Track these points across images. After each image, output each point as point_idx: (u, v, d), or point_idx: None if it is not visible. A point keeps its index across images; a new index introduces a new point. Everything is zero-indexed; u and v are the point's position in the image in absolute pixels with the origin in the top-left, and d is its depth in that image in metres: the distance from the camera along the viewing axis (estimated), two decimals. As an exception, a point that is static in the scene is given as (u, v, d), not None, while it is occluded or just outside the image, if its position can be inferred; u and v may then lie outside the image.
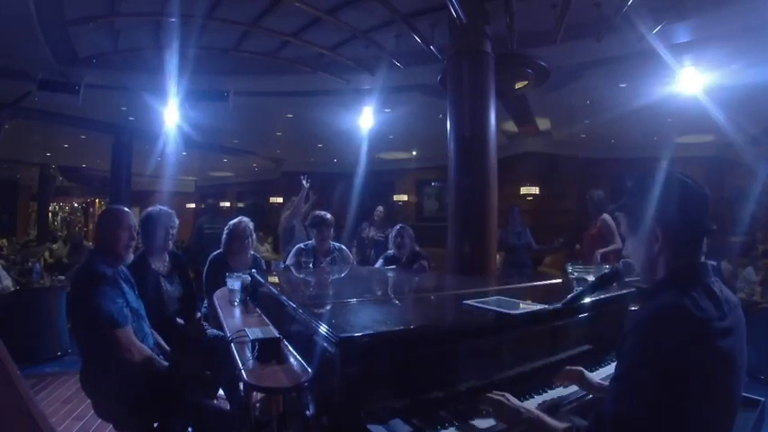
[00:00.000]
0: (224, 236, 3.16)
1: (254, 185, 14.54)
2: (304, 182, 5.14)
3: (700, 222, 1.05)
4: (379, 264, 3.83)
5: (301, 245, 3.58)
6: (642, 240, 1.08)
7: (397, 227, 3.78)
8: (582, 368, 1.38)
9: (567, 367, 1.39)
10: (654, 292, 1.05)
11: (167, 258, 2.69)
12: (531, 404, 1.32)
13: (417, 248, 3.77)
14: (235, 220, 3.18)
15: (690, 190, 1.05)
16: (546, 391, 1.40)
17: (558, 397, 1.38)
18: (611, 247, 4.00)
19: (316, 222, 3.54)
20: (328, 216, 3.56)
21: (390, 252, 3.78)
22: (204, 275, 3.08)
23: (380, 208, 6.35)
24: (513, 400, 1.16)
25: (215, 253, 3.18)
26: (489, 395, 1.18)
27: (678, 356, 0.87)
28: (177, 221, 2.72)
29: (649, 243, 1.07)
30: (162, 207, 2.69)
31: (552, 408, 1.30)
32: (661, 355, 0.88)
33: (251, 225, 3.18)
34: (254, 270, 2.66)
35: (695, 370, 0.87)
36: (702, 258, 1.06)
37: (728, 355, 0.92)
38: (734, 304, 1.00)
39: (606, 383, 1.44)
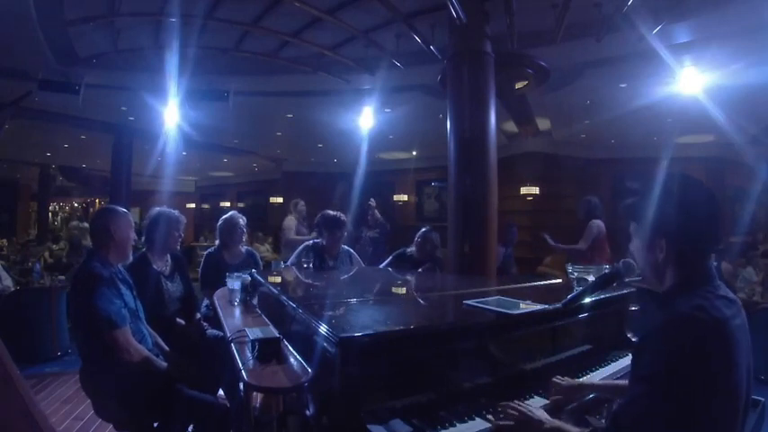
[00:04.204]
0: (217, 231, 3.27)
1: (254, 185, 14.54)
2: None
3: (707, 233, 1.05)
4: (388, 260, 3.70)
5: (309, 242, 3.46)
6: (647, 247, 1.09)
7: (423, 230, 3.61)
8: (563, 381, 1.38)
9: (554, 379, 1.38)
10: (666, 299, 1.05)
11: (169, 259, 2.72)
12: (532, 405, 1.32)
13: (439, 255, 3.62)
14: (226, 215, 3.28)
15: (697, 200, 1.05)
16: (546, 392, 1.39)
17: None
18: (569, 246, 4.46)
19: (329, 224, 3.32)
20: (342, 217, 3.38)
21: (408, 251, 3.63)
22: (200, 270, 3.15)
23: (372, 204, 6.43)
24: (535, 411, 1.17)
25: (210, 249, 3.29)
26: (512, 406, 1.19)
27: (697, 357, 0.88)
28: (183, 227, 2.79)
29: (654, 253, 1.08)
30: (173, 210, 2.76)
31: (554, 410, 1.30)
32: (680, 357, 0.89)
33: (242, 219, 3.25)
34: (254, 270, 2.66)
35: (715, 369, 0.89)
36: (712, 263, 1.07)
37: (746, 351, 0.94)
38: (740, 306, 1.02)
39: (597, 381, 1.45)
